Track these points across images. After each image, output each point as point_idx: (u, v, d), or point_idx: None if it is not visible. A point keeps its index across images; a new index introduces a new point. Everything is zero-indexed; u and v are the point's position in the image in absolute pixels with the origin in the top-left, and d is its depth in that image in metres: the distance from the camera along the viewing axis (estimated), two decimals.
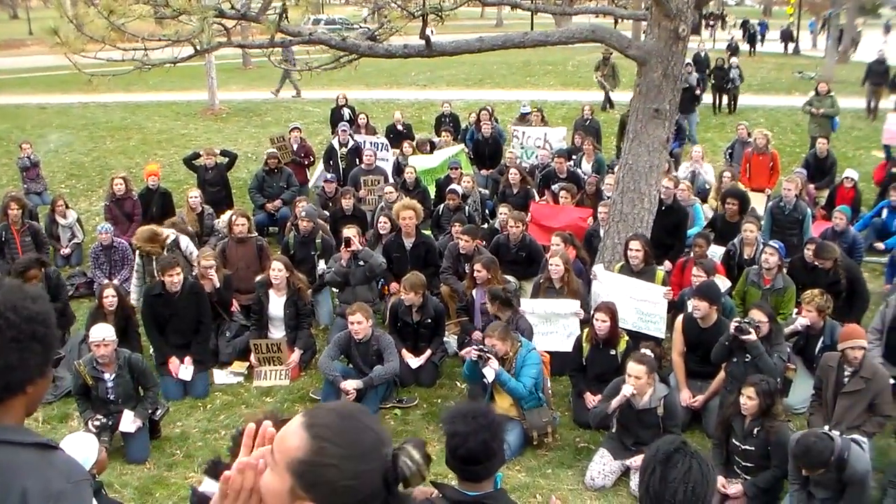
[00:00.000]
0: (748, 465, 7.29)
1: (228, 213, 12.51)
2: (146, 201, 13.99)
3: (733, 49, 34.42)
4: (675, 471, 3.02)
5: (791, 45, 46.29)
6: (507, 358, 8.29)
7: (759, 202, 14.25)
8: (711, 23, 55.35)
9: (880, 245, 13.43)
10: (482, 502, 3.97)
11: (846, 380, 7.84)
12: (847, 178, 14.76)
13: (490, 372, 8.11)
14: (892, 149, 17.15)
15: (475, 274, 10.13)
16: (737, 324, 8.14)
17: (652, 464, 3.12)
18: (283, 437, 2.02)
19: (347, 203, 13.11)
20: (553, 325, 9.88)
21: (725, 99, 26.54)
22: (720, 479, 7.24)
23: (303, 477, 1.96)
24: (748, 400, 7.16)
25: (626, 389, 7.59)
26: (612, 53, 23.53)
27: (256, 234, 12.24)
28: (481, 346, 8.23)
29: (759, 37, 48.35)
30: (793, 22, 50.96)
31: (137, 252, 11.24)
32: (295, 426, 2.02)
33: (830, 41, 37.39)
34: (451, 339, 10.35)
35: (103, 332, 8.17)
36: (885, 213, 13.94)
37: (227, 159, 15.71)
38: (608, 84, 25.79)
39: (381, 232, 11.85)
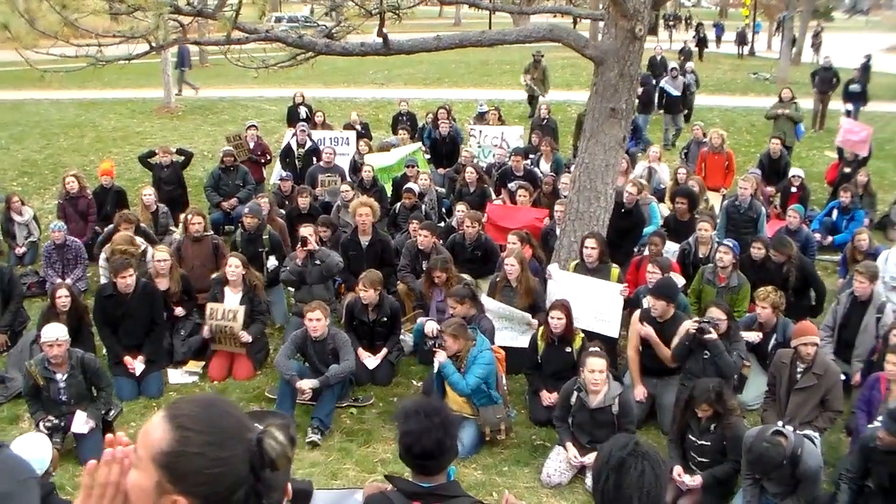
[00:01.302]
0: (704, 460, 7.37)
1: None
2: (100, 200, 13.82)
3: (686, 54, 34.18)
4: (629, 477, 3.01)
5: (746, 48, 46.53)
6: (459, 356, 8.31)
7: (714, 201, 14.40)
8: (671, 24, 55.72)
9: (828, 240, 13.76)
10: (436, 493, 3.98)
11: (799, 376, 7.97)
12: (794, 176, 14.97)
13: (437, 361, 8.25)
14: (845, 151, 17.34)
15: (435, 279, 10.14)
16: (698, 324, 8.21)
17: (605, 471, 3.11)
18: (145, 432, 2.02)
19: (304, 202, 13.06)
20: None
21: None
22: (677, 469, 7.38)
23: (168, 468, 1.96)
24: (703, 412, 7.26)
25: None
26: (543, 56, 23.38)
27: (212, 232, 12.14)
28: (436, 339, 8.25)
29: (713, 39, 48.80)
30: (748, 24, 51.41)
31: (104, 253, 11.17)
32: (157, 420, 2.02)
33: (785, 43, 37.80)
34: (407, 337, 10.34)
35: (56, 332, 8.07)
36: (835, 213, 14.17)
37: (182, 158, 15.61)
38: (538, 88, 24.74)
39: (323, 238, 11.80)
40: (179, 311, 10.28)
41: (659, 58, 26.95)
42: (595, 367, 7.56)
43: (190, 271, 10.88)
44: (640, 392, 8.92)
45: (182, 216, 11.83)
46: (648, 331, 8.80)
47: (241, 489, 2.03)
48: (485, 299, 10.04)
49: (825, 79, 24.68)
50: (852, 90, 24.10)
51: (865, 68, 29.18)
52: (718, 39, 50.20)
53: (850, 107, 23.76)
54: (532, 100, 25.23)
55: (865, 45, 49.68)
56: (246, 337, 9.86)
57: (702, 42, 42.22)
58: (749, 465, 6.89)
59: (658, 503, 3.05)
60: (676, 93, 21.00)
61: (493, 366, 8.43)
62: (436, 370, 8.37)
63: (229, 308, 9.92)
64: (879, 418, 6.89)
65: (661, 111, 22.47)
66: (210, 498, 1.99)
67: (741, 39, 45.64)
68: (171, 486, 1.96)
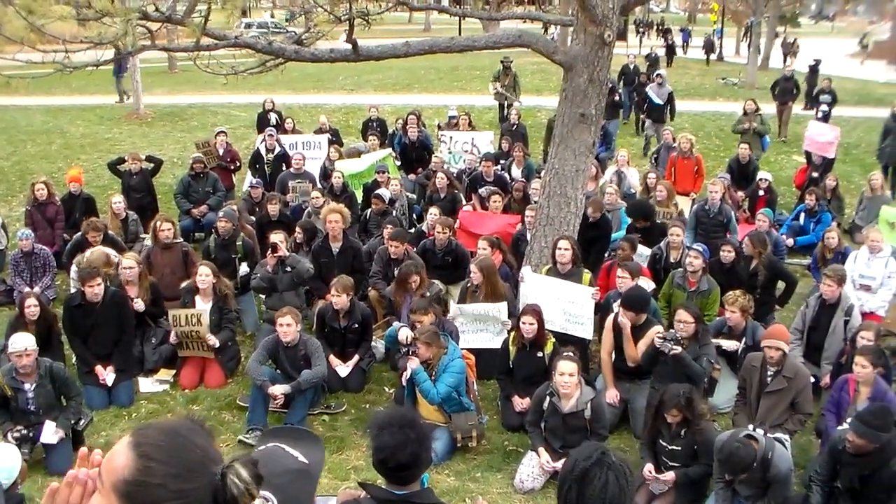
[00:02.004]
0: (675, 464, 7.41)
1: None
2: (69, 207, 13.71)
3: (653, 61, 33.22)
4: (592, 487, 3.01)
5: (714, 55, 46.62)
6: (431, 363, 8.32)
7: (684, 206, 14.48)
8: (642, 30, 56.02)
9: (789, 241, 13.92)
10: (409, 500, 3.97)
11: (769, 379, 8.02)
12: (762, 179, 15.12)
13: (410, 367, 8.26)
14: (814, 155, 17.47)
15: (412, 283, 10.15)
16: (661, 339, 8.24)
17: (569, 481, 3.11)
18: (109, 458, 1.98)
19: (273, 209, 13.02)
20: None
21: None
22: (648, 467, 7.44)
23: (129, 497, 1.92)
24: (672, 418, 7.30)
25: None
26: (512, 62, 23.24)
27: (182, 239, 12.07)
28: (409, 345, 8.23)
29: (680, 44, 49.07)
30: (716, 30, 51.79)
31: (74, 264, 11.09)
32: (122, 446, 1.98)
33: (752, 48, 38.13)
34: (378, 344, 10.32)
35: (25, 342, 8.00)
36: (802, 217, 14.31)
37: (152, 165, 15.50)
38: (511, 95, 23.74)
39: (299, 242, 11.77)
40: (139, 304, 10.11)
41: (632, 66, 26.45)
42: (566, 371, 7.58)
43: (160, 279, 10.83)
44: (612, 395, 8.95)
45: (151, 223, 11.74)
46: (625, 322, 8.85)
47: None
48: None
49: (786, 89, 24.24)
50: (823, 100, 22.78)
51: (814, 71, 29.51)
52: (685, 45, 50.36)
53: (823, 109, 22.57)
54: (506, 107, 24.21)
55: (831, 50, 50.54)
56: (213, 340, 9.79)
57: (671, 48, 42.37)
58: (720, 466, 6.94)
59: None
60: (660, 101, 20.94)
61: (464, 374, 8.45)
62: (407, 377, 8.36)
63: (192, 312, 9.84)
64: (848, 420, 6.94)
65: (644, 116, 22.43)
66: None
67: (709, 46, 45.72)
68: None
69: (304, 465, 2.60)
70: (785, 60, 43.13)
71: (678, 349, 8.14)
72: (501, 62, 23.85)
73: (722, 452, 6.76)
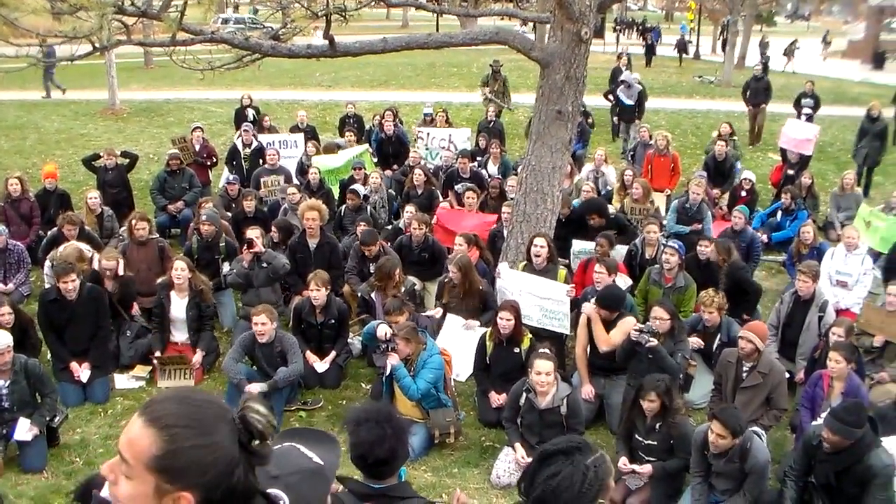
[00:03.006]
0: (651, 459, 7.46)
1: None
2: (43, 203, 13.60)
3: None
4: (546, 470, 3.03)
5: (687, 54, 46.44)
6: (410, 359, 8.33)
7: (659, 202, 14.55)
8: (618, 29, 56.13)
9: (765, 238, 13.96)
10: (387, 494, 3.98)
11: (745, 375, 8.09)
12: (745, 178, 15.23)
13: (389, 363, 8.25)
14: (789, 152, 17.55)
15: (395, 275, 10.15)
16: (637, 331, 8.28)
17: (534, 460, 3.14)
18: (131, 442, 2.01)
19: (249, 205, 12.98)
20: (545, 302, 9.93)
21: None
22: (623, 460, 7.47)
23: (166, 471, 1.97)
24: (649, 403, 7.32)
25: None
26: (502, 66, 22.87)
27: (157, 235, 12.00)
28: (388, 342, 8.25)
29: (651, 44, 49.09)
30: (693, 28, 52.02)
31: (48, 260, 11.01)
32: (138, 427, 2.02)
33: (728, 47, 38.31)
34: (354, 341, 10.31)
35: (1, 340, 7.93)
36: (778, 214, 14.41)
37: (127, 160, 15.41)
38: (500, 101, 22.09)
39: (275, 241, 11.75)
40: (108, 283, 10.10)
41: (624, 68, 24.50)
42: (542, 370, 7.59)
43: (136, 274, 10.80)
44: (587, 391, 8.98)
45: (127, 221, 11.67)
46: (594, 314, 8.88)
47: (238, 468, 2.06)
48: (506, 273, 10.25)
49: (758, 90, 23.18)
50: (805, 104, 22.23)
51: (765, 68, 29.57)
52: (654, 45, 49.91)
53: (806, 112, 22.16)
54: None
55: (808, 50, 50.87)
56: (199, 357, 9.85)
57: (650, 47, 42.37)
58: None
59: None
60: (630, 102, 20.90)
61: (443, 370, 8.48)
62: (387, 373, 8.37)
63: (181, 367, 9.85)
64: (823, 415, 6.99)
65: (616, 119, 22.09)
66: (213, 484, 2.01)
67: (682, 45, 45.70)
68: (170, 485, 1.98)
69: (318, 466, 2.62)
70: (762, 59, 43.41)
71: (654, 341, 8.19)
72: (491, 66, 23.23)
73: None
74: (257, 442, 2.12)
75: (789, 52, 44.15)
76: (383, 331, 8.24)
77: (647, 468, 7.42)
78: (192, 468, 1.98)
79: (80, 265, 10.25)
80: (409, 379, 8.22)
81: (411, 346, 8.31)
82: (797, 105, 22.45)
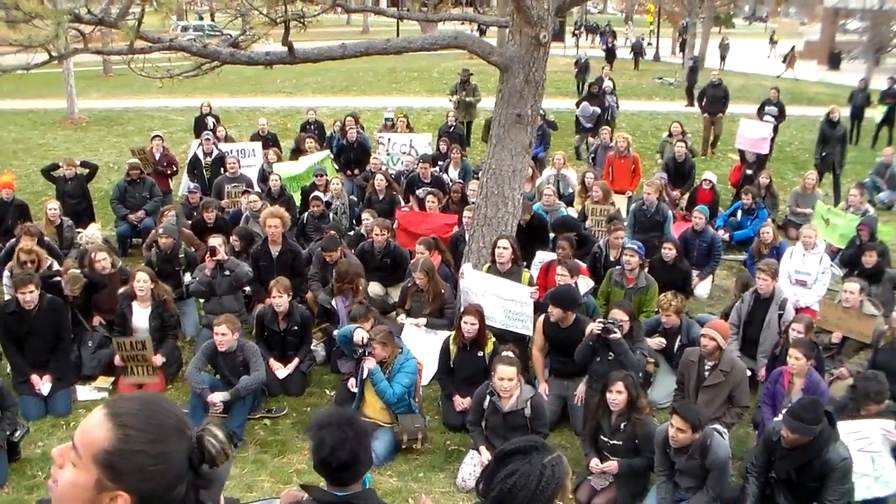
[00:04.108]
0: (616, 460, 7.49)
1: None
2: (1, 214, 13.47)
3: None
4: (503, 470, 3.04)
5: (643, 57, 46.22)
6: (386, 363, 8.36)
7: (620, 204, 14.66)
8: (577, 33, 56.34)
9: (726, 237, 14.12)
10: (350, 502, 3.98)
11: (707, 374, 8.16)
12: (706, 180, 15.40)
13: (367, 367, 8.26)
14: (746, 152, 17.71)
15: (355, 282, 10.15)
16: (601, 324, 8.34)
17: (491, 460, 3.16)
18: (85, 431, 2.04)
19: (209, 216, 12.92)
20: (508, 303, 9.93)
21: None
22: (595, 461, 7.54)
23: (110, 467, 1.99)
24: (617, 395, 7.38)
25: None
26: (471, 75, 22.49)
27: (120, 264, 11.60)
28: (365, 346, 8.26)
29: (603, 47, 49.06)
30: (652, 31, 52.38)
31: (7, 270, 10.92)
32: (97, 418, 2.04)
33: (687, 49, 38.66)
34: (318, 348, 10.31)
35: None
36: (739, 213, 14.56)
37: (87, 170, 15.28)
38: (467, 113, 21.98)
39: (236, 249, 11.70)
40: (158, 359, 9.80)
41: (606, 78, 24.24)
42: (505, 376, 7.62)
43: (97, 299, 10.58)
44: (542, 388, 9.07)
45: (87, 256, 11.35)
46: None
47: (181, 484, 2.08)
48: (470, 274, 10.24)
49: (715, 97, 22.22)
50: (768, 111, 21.25)
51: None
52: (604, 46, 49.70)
53: (769, 120, 20.81)
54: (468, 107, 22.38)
55: (766, 51, 51.38)
56: (159, 361, 9.70)
57: (611, 52, 42.59)
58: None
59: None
60: (589, 125, 20.84)
61: (416, 374, 8.55)
62: (364, 376, 8.37)
63: (138, 339, 9.70)
64: (783, 412, 7.07)
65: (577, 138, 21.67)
66: (152, 493, 2.03)
67: (638, 50, 45.75)
68: (111, 483, 1.99)
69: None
70: (722, 63, 43.72)
71: (617, 334, 8.26)
72: (459, 74, 22.71)
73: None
74: (207, 466, 2.14)
75: (789, 60, 44.16)
76: (360, 335, 8.24)
77: (612, 465, 7.47)
78: (137, 472, 2.00)
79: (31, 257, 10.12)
80: (386, 383, 8.25)
81: (388, 350, 8.36)
82: (760, 112, 21.67)
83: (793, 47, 45.44)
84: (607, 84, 22.49)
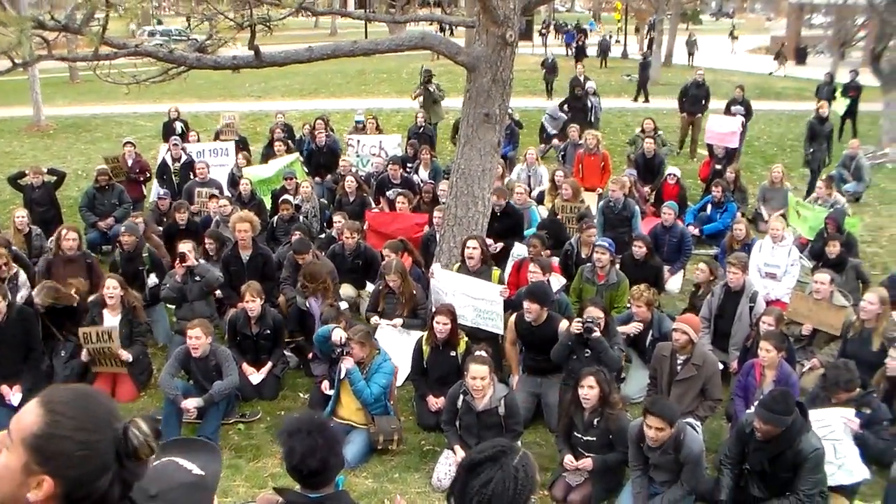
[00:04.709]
0: (590, 456, 7.52)
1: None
2: None
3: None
4: (477, 480, 3.02)
5: (608, 54, 46.17)
6: (363, 363, 8.36)
7: (591, 201, 14.71)
8: (543, 31, 56.45)
9: (696, 232, 14.21)
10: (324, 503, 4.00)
11: (679, 368, 8.20)
12: (670, 174, 15.45)
13: (345, 367, 8.25)
14: (716, 147, 17.79)
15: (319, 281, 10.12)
16: (581, 323, 8.35)
17: (459, 471, 3.15)
18: (18, 417, 2.11)
19: (181, 217, 12.86)
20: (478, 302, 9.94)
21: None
22: (569, 457, 7.54)
23: (38, 451, 2.05)
24: (589, 390, 7.40)
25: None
26: (433, 76, 22.07)
27: (87, 249, 11.73)
28: (343, 345, 8.25)
29: (563, 44, 49.24)
30: (620, 28, 52.59)
31: None
32: (30, 405, 2.11)
33: (655, 46, 38.86)
34: (291, 354, 10.31)
35: None
36: (709, 208, 14.65)
37: (55, 178, 15.18)
38: (434, 115, 21.50)
39: (210, 253, 11.66)
40: (126, 355, 9.78)
41: (581, 77, 23.00)
42: (477, 374, 7.61)
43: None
44: (514, 381, 9.17)
45: (56, 232, 11.41)
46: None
47: (105, 475, 2.13)
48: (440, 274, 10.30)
49: (697, 97, 21.54)
50: (735, 111, 20.48)
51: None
52: (568, 46, 49.12)
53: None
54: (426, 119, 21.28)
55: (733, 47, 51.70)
56: (126, 355, 9.62)
57: (580, 50, 42.63)
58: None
59: None
60: (554, 131, 20.82)
61: (393, 376, 8.55)
62: (342, 376, 8.36)
63: (103, 329, 9.65)
64: (755, 404, 7.13)
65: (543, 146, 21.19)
66: (76, 481, 2.09)
67: (605, 48, 45.66)
68: (38, 467, 2.05)
69: (198, 478, 2.64)
70: (690, 59, 43.93)
71: (598, 333, 8.29)
72: (421, 75, 22.24)
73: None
74: (133, 460, 2.18)
75: (781, 57, 44.37)
76: (338, 335, 8.23)
77: (587, 462, 7.49)
78: (62, 458, 2.06)
79: None
80: (364, 383, 8.24)
81: (366, 350, 8.35)
82: (727, 112, 20.74)
83: (783, 44, 45.70)
84: (590, 85, 22.32)
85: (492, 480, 3.01)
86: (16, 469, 2.06)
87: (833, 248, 11.40)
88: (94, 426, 2.11)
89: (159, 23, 64.17)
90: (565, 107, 22.15)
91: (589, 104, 21.80)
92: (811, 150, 18.02)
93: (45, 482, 2.05)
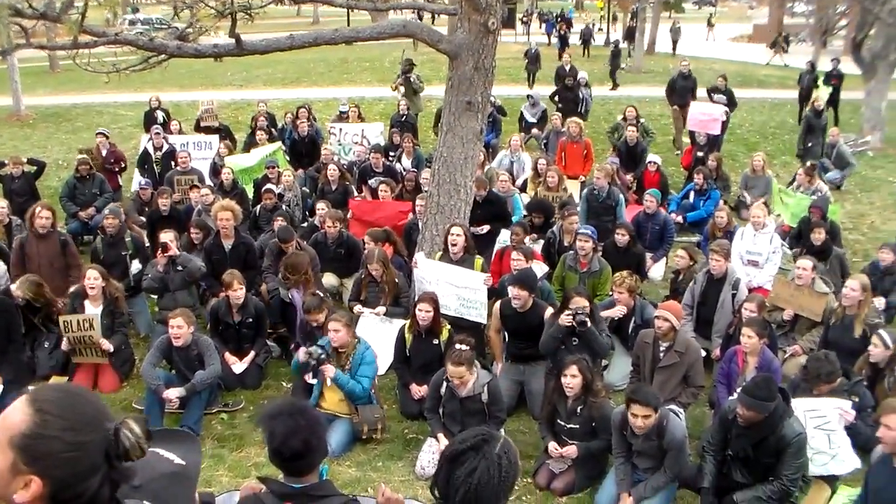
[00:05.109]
0: (574, 443, 7.53)
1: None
2: None
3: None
4: (461, 469, 3.02)
5: (592, 42, 45.95)
6: (345, 352, 8.33)
7: (573, 189, 14.73)
8: (525, 20, 56.40)
9: (679, 219, 14.27)
10: (307, 493, 3.98)
11: (662, 355, 8.22)
12: (651, 162, 15.49)
13: (328, 376, 8.19)
14: (698, 134, 17.81)
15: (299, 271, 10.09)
16: (572, 316, 8.34)
17: (442, 461, 3.15)
18: (5, 416, 2.08)
19: (164, 202, 12.83)
20: (463, 291, 9.93)
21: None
22: (553, 444, 7.57)
23: (26, 450, 2.03)
24: (572, 378, 7.41)
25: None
26: (413, 67, 21.85)
27: (60, 228, 11.55)
28: (319, 351, 8.17)
29: (544, 33, 49.16)
30: (602, 16, 52.57)
31: None
32: (18, 404, 2.09)
33: (638, 34, 38.88)
34: (274, 345, 10.29)
35: None
36: (692, 195, 14.67)
37: (35, 168, 15.10)
38: (414, 105, 21.00)
39: (195, 241, 11.61)
40: (107, 345, 9.65)
41: (568, 67, 23.29)
42: (454, 375, 7.60)
43: (36, 271, 10.40)
44: (498, 368, 9.21)
45: (29, 210, 11.31)
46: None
47: (95, 476, 2.11)
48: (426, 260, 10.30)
49: (684, 89, 21.02)
50: (718, 100, 19.87)
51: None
52: (549, 36, 49.35)
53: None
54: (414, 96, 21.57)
55: (715, 35, 51.78)
56: (107, 345, 9.56)
57: (563, 39, 42.56)
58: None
59: (487, 500, 3.07)
60: (533, 120, 20.84)
61: (375, 364, 8.54)
62: (328, 384, 8.30)
63: (84, 317, 9.59)
64: (738, 391, 7.15)
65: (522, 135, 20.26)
66: (64, 481, 2.07)
67: (587, 37, 45.57)
68: (26, 467, 2.03)
69: (179, 467, 2.64)
70: (674, 48, 43.92)
71: (589, 323, 8.31)
72: (401, 65, 22.00)
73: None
74: (123, 461, 2.18)
75: (778, 45, 44.20)
76: (304, 354, 8.17)
77: (571, 450, 7.50)
78: (50, 458, 2.04)
79: None
80: (353, 382, 8.22)
81: (350, 333, 8.36)
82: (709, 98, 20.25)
83: (779, 33, 45.65)
84: (582, 76, 22.23)
85: (476, 469, 3.02)
86: (3, 469, 2.04)
87: (818, 236, 11.47)
88: (83, 426, 2.09)
89: (135, 11, 63.80)
90: (556, 98, 22.20)
91: (580, 95, 21.82)
92: (809, 143, 18.05)
93: (33, 482, 2.03)
